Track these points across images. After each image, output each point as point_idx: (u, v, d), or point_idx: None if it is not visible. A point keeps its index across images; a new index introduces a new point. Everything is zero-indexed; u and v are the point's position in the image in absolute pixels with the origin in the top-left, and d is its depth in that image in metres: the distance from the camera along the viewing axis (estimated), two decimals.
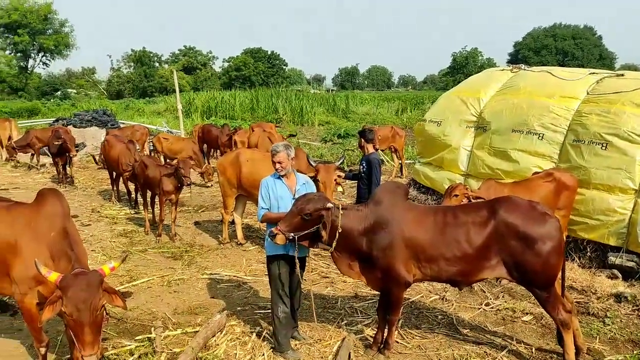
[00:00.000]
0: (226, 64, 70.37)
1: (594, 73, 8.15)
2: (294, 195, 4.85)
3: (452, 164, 8.92)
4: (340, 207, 4.59)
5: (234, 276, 7.03)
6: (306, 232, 4.44)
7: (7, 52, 53.13)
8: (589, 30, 75.29)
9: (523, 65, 9.36)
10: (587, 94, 7.65)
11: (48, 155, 15.91)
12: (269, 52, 70.61)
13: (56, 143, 12.41)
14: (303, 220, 4.41)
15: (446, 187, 8.55)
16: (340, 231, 4.48)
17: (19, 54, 53.81)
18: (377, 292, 6.35)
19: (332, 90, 70.50)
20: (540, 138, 7.66)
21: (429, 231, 4.55)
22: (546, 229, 4.38)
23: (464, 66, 79.59)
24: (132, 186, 10.90)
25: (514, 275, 4.48)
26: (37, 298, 4.18)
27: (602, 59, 72.12)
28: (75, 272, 3.77)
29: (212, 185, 12.11)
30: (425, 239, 4.53)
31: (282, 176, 4.88)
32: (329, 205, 4.45)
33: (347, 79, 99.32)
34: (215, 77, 66.56)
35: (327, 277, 6.97)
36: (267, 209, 4.89)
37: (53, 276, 3.67)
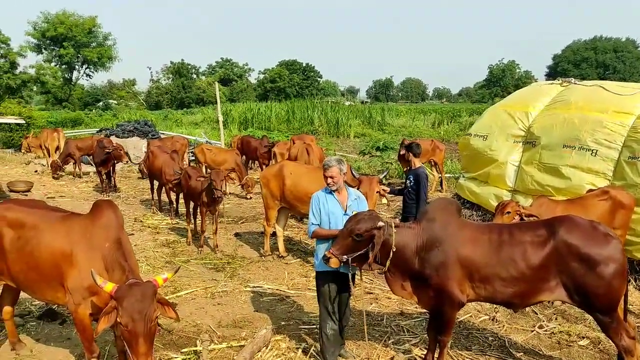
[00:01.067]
0: (261, 76, 71.22)
1: None
2: (346, 210, 4.77)
3: (498, 180, 8.69)
4: (393, 225, 4.48)
5: (277, 289, 6.98)
6: (359, 253, 4.34)
7: (53, 64, 54.97)
8: (632, 43, 73.09)
9: (573, 79, 9.08)
10: None
11: (91, 165, 16.37)
12: (304, 64, 71.17)
13: (107, 151, 12.69)
14: (355, 242, 4.31)
15: (492, 202, 8.41)
16: (394, 250, 4.37)
17: (63, 66, 55.62)
18: (424, 310, 6.23)
19: (366, 102, 70.49)
20: (593, 154, 7.39)
21: (484, 250, 4.40)
22: (609, 250, 4.19)
23: (500, 79, 78.35)
24: (174, 196, 11.04)
25: (574, 298, 4.28)
26: (90, 308, 4.22)
27: None
28: (130, 283, 3.78)
29: (251, 197, 12.14)
30: (480, 258, 4.38)
31: (334, 191, 4.81)
32: (380, 224, 4.33)
33: (382, 91, 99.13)
34: (250, 88, 67.47)
35: (372, 293, 6.85)
36: (318, 224, 4.82)
37: (108, 286, 3.70)
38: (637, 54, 72.07)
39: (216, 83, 17.98)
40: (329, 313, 4.83)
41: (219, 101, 16.02)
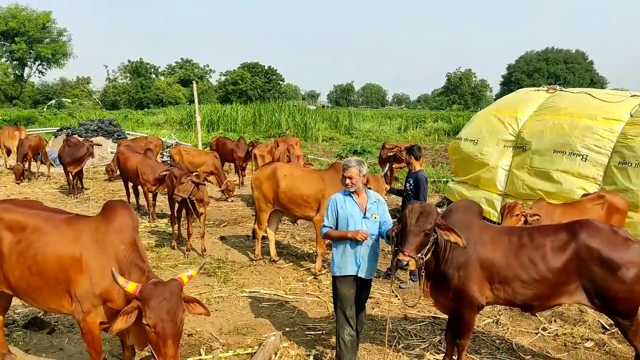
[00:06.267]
0: (223, 78, 70.28)
1: (635, 95, 8.11)
2: (365, 213, 4.65)
3: (489, 183, 8.78)
4: None
5: (274, 295, 6.78)
6: (427, 248, 4.23)
7: (4, 59, 52.54)
8: (581, 55, 76.32)
9: (558, 86, 9.31)
10: (631, 116, 7.60)
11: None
12: (266, 67, 70.70)
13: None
14: (425, 237, 4.19)
15: (483, 206, 8.45)
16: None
17: (15, 62, 53.22)
18: (427, 314, 6.22)
19: (327, 106, 70.70)
20: (583, 159, 7.57)
21: (505, 252, 4.40)
22: (630, 254, 4.23)
23: (458, 86, 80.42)
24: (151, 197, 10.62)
25: (594, 302, 4.31)
26: (100, 317, 3.93)
27: (594, 83, 72.88)
28: (154, 282, 3.55)
29: (233, 200, 11.81)
30: (500, 259, 4.38)
31: (352, 193, 4.68)
32: (439, 210, 4.30)
33: (342, 95, 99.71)
34: (212, 90, 66.41)
35: (372, 297, 6.72)
36: (330, 227, 4.69)
37: (131, 286, 3.46)
38: (586, 66, 75.28)
39: (194, 82, 17.37)
40: (346, 318, 4.67)
41: (196, 101, 15.53)
